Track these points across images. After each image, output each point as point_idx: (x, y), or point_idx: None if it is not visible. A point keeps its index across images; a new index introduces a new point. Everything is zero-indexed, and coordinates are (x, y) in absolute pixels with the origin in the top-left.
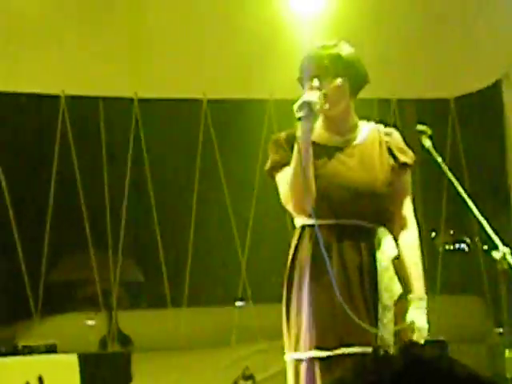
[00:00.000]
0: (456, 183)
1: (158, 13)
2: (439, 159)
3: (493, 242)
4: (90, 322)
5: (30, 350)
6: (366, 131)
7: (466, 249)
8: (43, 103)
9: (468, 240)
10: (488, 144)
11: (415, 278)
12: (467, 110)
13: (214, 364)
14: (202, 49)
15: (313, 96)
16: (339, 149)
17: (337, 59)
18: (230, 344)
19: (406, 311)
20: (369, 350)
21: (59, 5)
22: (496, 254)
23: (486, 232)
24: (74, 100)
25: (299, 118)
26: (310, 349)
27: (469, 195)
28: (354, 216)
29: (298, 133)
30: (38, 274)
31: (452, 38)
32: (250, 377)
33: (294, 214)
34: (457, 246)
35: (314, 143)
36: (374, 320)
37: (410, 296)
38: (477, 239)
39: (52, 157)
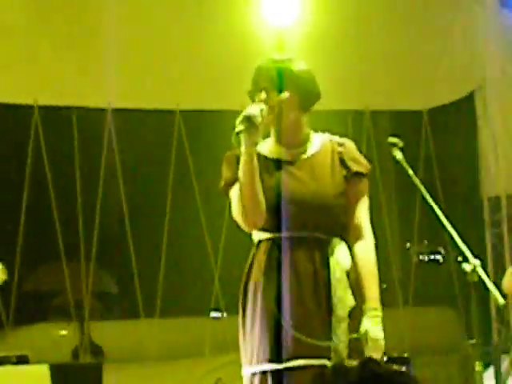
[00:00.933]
0: (426, 195)
1: (131, 24)
2: (410, 171)
3: (463, 254)
4: (62, 333)
5: (0, 361)
6: (319, 143)
7: (441, 259)
8: (16, 113)
9: (442, 251)
10: (461, 156)
11: (369, 288)
12: (440, 122)
13: (187, 375)
14: (175, 60)
15: (254, 109)
16: (289, 162)
17: (286, 73)
18: (203, 355)
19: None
20: (321, 362)
21: (33, 15)
22: (466, 267)
23: (456, 244)
24: (47, 110)
25: (239, 132)
26: (263, 362)
27: (440, 207)
28: (306, 228)
29: (242, 147)
30: (9, 284)
31: (426, 51)
32: None
33: (244, 228)
34: (431, 256)
35: (264, 157)
36: (328, 331)
37: (364, 306)
38: (450, 250)
39: (24, 167)
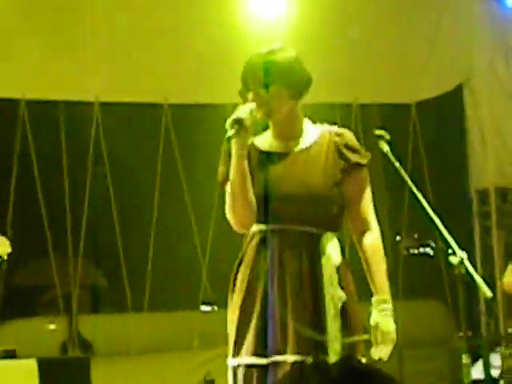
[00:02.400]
0: (413, 187)
1: (119, 16)
2: (397, 164)
3: (450, 247)
4: (51, 327)
5: None
6: (315, 135)
7: (431, 252)
8: (3, 107)
9: (432, 244)
10: (449, 149)
11: (378, 280)
12: (428, 115)
13: (176, 369)
14: (163, 53)
15: (243, 112)
16: (284, 154)
17: (270, 67)
18: (192, 349)
19: (368, 315)
20: (305, 358)
21: (19, 9)
22: (453, 259)
23: (443, 237)
24: (34, 104)
25: (229, 137)
26: (248, 355)
27: (427, 200)
28: (298, 222)
29: (233, 150)
30: None
31: (414, 44)
32: (212, 382)
33: (233, 227)
34: (421, 249)
35: (260, 151)
36: (318, 330)
37: (373, 299)
38: (439, 243)
39: (11, 161)
